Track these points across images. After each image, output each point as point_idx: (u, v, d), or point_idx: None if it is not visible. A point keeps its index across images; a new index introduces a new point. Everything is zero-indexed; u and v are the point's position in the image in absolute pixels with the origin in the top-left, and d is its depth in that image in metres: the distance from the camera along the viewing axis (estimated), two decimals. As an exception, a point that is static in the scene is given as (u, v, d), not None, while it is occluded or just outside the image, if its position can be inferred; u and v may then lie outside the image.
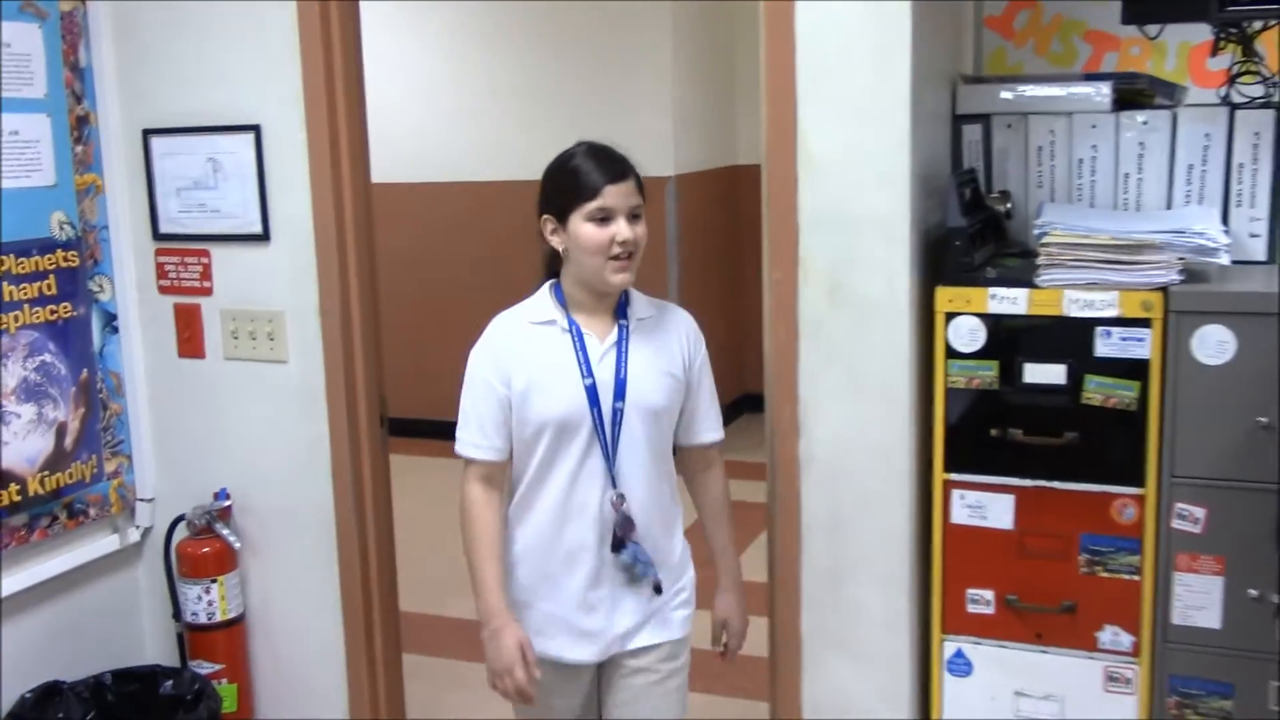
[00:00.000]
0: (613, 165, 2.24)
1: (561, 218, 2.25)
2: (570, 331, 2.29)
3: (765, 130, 2.60)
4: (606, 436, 2.28)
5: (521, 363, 2.27)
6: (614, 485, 2.29)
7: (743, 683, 3.90)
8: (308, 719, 3.19)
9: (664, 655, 2.41)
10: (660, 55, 6.33)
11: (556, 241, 2.28)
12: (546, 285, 2.35)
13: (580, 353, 2.28)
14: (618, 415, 2.28)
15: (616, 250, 2.23)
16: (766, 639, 2.79)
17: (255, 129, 2.92)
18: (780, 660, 2.74)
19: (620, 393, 2.28)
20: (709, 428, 2.47)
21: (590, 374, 2.27)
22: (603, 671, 2.42)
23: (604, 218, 2.22)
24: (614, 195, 2.22)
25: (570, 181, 2.24)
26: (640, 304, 2.38)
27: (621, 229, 2.23)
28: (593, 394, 2.26)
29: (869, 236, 2.53)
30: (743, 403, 7.21)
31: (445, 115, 6.72)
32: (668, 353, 2.37)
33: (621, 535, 2.30)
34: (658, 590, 2.36)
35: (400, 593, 3.29)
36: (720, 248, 7.03)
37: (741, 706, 3.88)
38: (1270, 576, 2.30)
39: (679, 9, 6.31)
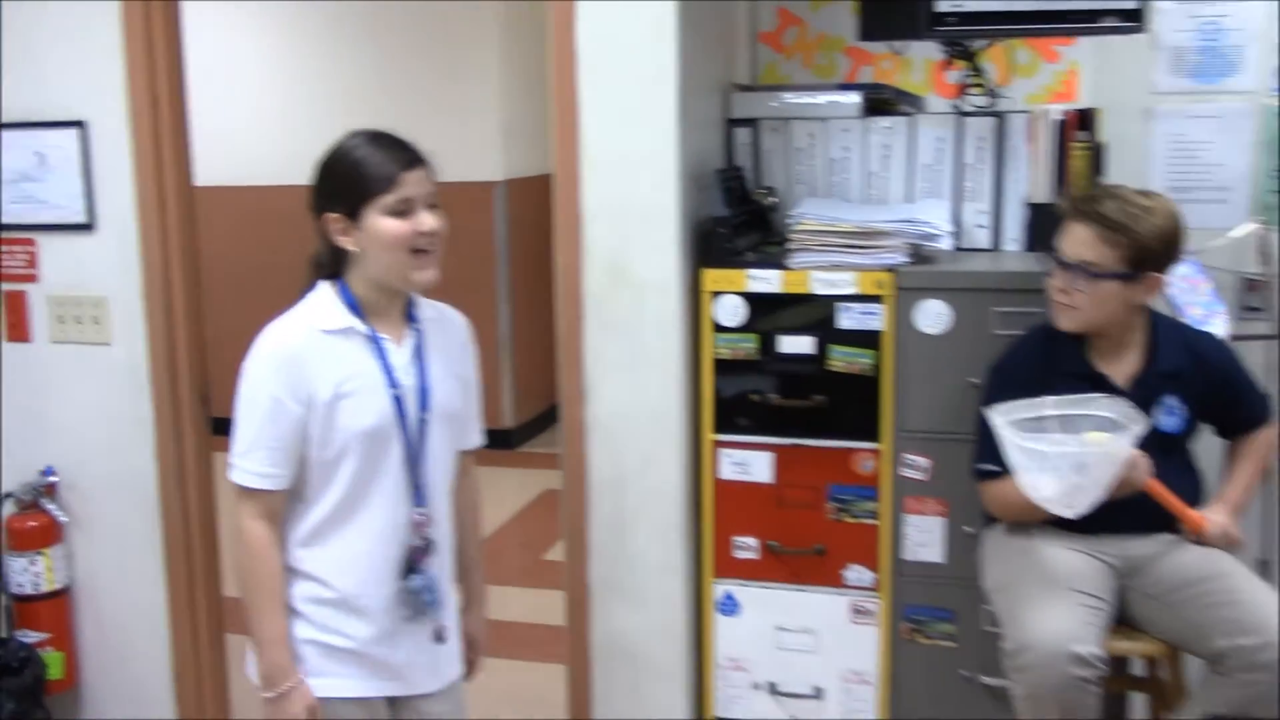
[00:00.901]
0: (406, 152, 2.05)
1: (353, 214, 2.03)
2: (370, 338, 2.09)
3: (554, 133, 2.90)
4: (414, 449, 2.11)
5: (322, 375, 2.04)
6: (420, 502, 2.12)
7: (555, 650, 4.17)
8: (132, 687, 3.35)
9: (457, 696, 2.28)
10: (488, 61, 6.56)
11: (347, 241, 2.05)
12: (327, 288, 2.11)
13: (382, 360, 2.09)
14: (424, 426, 2.12)
15: (421, 243, 2.04)
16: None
17: (81, 125, 3.09)
18: (571, 607, 3.04)
19: (425, 401, 2.12)
20: (476, 431, 2.31)
21: (396, 383, 2.08)
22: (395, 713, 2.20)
23: (404, 210, 2.02)
24: (413, 184, 2.03)
25: (360, 174, 2.02)
26: (423, 304, 2.20)
27: (424, 219, 2.04)
28: (400, 404, 2.08)
29: (644, 226, 2.85)
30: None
31: (272, 120, 6.78)
32: (455, 355, 2.23)
33: (418, 560, 2.12)
34: (439, 638, 2.18)
35: (225, 580, 3.43)
36: (547, 251, 7.28)
37: (539, 669, 4.13)
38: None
39: (507, 16, 6.56)
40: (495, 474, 6.29)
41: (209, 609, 3.36)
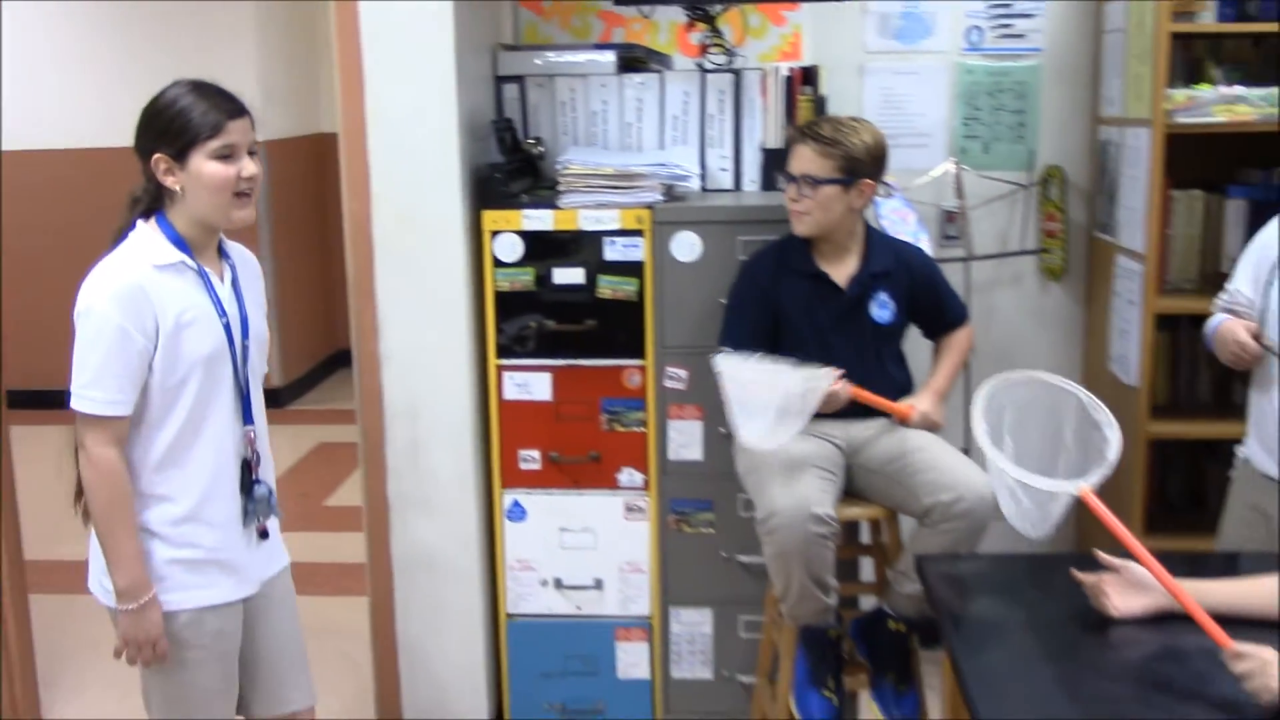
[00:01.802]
0: (231, 102, 2.22)
1: (179, 157, 2.18)
2: (198, 272, 2.26)
3: (339, 88, 3.15)
4: (241, 372, 2.30)
5: (164, 307, 2.18)
6: (248, 420, 2.33)
7: (346, 584, 4.43)
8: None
9: (288, 580, 2.52)
10: (244, 24, 6.64)
11: (172, 182, 2.20)
12: (148, 226, 2.26)
13: (210, 292, 2.26)
14: (245, 352, 2.31)
15: (242, 187, 2.21)
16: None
17: None
18: (371, 523, 3.31)
19: (245, 329, 2.32)
20: (265, 360, 2.50)
21: (224, 313, 2.27)
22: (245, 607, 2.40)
23: (227, 155, 2.19)
24: (236, 131, 2.20)
25: (187, 119, 2.17)
26: (227, 244, 2.39)
27: (246, 165, 2.22)
28: (229, 331, 2.27)
29: (428, 172, 3.14)
30: (335, 359, 7.65)
31: (28, 83, 6.68)
32: (259, 289, 2.44)
33: (253, 470, 2.34)
34: (263, 535, 2.39)
35: (28, 542, 3.50)
36: (310, 214, 7.40)
37: (333, 602, 4.38)
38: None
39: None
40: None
41: (11, 570, 3.42)
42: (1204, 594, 1.97)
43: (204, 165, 2.18)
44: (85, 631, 4.14)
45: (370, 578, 3.38)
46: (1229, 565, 2.37)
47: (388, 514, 3.30)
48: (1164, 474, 3.61)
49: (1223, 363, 2.69)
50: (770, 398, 2.63)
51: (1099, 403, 2.20)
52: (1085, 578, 2.10)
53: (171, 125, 2.18)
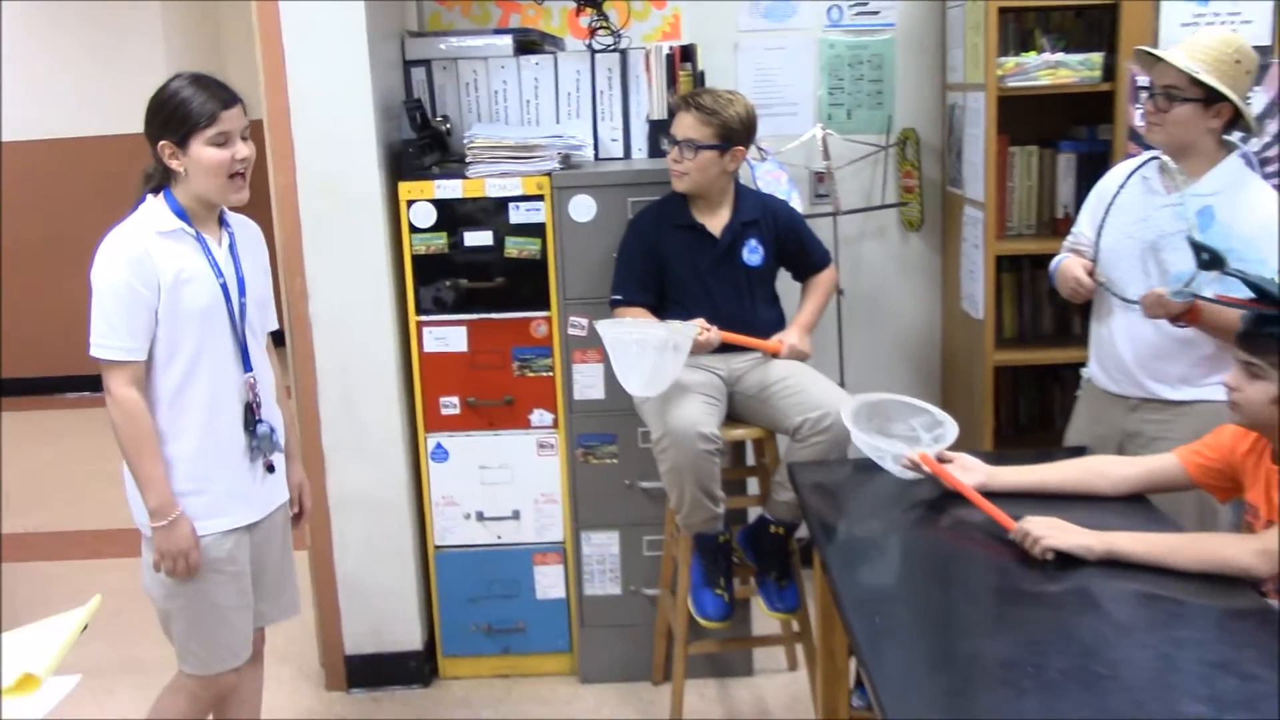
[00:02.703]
0: (225, 93, 2.50)
1: (181, 143, 2.46)
2: (196, 238, 2.53)
3: (263, 76, 3.47)
4: (238, 326, 2.58)
5: (165, 267, 2.46)
6: (248, 368, 2.62)
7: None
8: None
9: (286, 512, 2.84)
10: (151, 25, 6.87)
11: (175, 164, 2.48)
12: (155, 199, 2.54)
13: (208, 255, 2.54)
14: (243, 308, 2.59)
15: (237, 168, 2.50)
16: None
17: None
18: (309, 470, 3.63)
19: (242, 288, 2.59)
20: (274, 316, 2.82)
21: (221, 274, 2.55)
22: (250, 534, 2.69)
23: (223, 141, 2.47)
24: (230, 119, 2.48)
25: (186, 109, 2.45)
26: (228, 214, 2.67)
27: (240, 149, 2.50)
28: (225, 290, 2.54)
29: (348, 149, 3.48)
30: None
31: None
32: (259, 254, 2.72)
33: (255, 412, 2.64)
34: (270, 469, 2.70)
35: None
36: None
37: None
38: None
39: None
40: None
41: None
42: (1012, 476, 2.54)
43: (202, 151, 2.48)
44: (38, 597, 4.43)
45: (309, 522, 3.70)
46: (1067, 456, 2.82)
47: (324, 463, 3.63)
48: (1015, 397, 4.09)
49: (1064, 297, 3.08)
50: (646, 354, 3.04)
51: (939, 411, 2.75)
52: (924, 461, 2.56)
53: (174, 115, 2.48)
